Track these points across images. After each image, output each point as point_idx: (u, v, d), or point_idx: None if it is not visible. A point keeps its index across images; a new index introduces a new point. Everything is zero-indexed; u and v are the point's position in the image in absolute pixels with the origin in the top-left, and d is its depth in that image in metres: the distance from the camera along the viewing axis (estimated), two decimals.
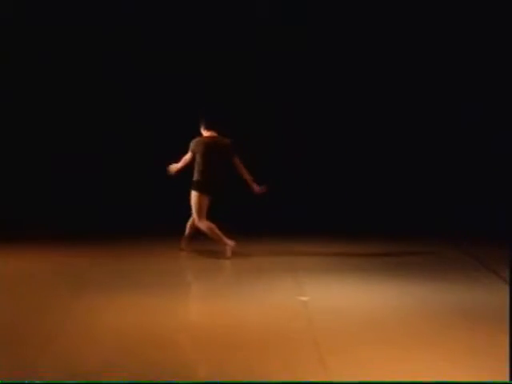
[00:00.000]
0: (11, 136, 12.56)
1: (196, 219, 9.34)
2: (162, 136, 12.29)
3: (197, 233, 9.48)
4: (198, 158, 9.36)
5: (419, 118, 12.63)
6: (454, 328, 6.31)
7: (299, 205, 12.11)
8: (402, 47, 12.50)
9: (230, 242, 9.27)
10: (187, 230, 9.54)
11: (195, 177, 9.37)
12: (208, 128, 9.48)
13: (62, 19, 12.36)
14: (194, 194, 9.34)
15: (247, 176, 9.41)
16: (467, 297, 7.37)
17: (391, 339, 6.00)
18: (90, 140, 12.61)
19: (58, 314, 6.67)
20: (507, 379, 5.09)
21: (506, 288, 6.93)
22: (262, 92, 12.60)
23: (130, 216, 11.77)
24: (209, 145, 9.38)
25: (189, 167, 9.49)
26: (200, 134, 9.54)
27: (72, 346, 5.81)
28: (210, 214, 9.36)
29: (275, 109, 12.58)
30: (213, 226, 9.29)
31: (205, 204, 9.30)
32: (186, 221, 9.54)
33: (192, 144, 9.42)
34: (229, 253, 9.26)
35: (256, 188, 9.41)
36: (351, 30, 12.49)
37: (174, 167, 9.50)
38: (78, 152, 12.56)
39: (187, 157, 9.42)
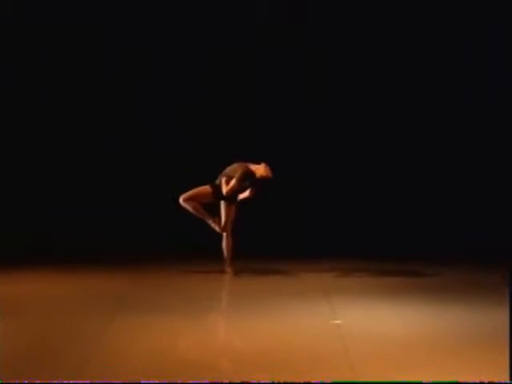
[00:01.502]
0: (16, 146, 12.53)
1: (182, 197, 9.32)
2: (177, 147, 12.31)
3: (233, 250, 9.45)
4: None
5: (441, 134, 12.57)
6: (492, 352, 6.13)
7: (326, 224, 12.05)
8: (404, 46, 12.48)
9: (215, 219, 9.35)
10: (224, 252, 9.47)
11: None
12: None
13: (62, 19, 12.34)
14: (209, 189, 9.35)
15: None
16: (505, 321, 7.19)
17: (428, 364, 5.87)
18: (107, 152, 12.58)
19: (92, 335, 6.63)
20: (507, 379, 5.09)
21: None
22: (261, 92, 12.57)
23: (167, 236, 11.78)
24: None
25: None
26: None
27: (106, 367, 5.76)
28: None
29: (276, 109, 12.56)
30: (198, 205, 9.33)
31: (208, 197, 9.31)
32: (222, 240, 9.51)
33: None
34: (217, 227, 9.35)
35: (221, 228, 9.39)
36: (351, 30, 12.47)
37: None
38: (98, 168, 12.57)
39: (234, 185, 9.24)
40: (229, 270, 9.43)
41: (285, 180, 11.91)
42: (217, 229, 9.36)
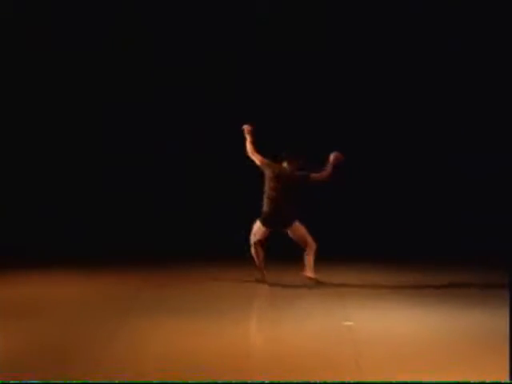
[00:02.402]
0: (15, 147, 12.50)
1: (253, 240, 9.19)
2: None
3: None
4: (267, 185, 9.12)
5: (441, 139, 12.54)
6: (505, 354, 5.86)
7: (343, 229, 12.02)
8: (404, 47, 12.48)
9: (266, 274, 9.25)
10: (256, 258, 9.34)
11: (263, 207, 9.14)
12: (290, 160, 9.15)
13: (63, 19, 12.35)
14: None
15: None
16: None
17: (438, 367, 5.84)
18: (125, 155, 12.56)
19: (104, 337, 6.69)
20: (507, 379, 5.09)
21: None
22: (261, 92, 12.58)
23: (180, 238, 11.73)
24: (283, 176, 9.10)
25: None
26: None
27: (117, 369, 5.79)
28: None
29: (277, 110, 12.56)
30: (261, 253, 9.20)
31: (261, 232, 9.13)
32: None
33: (269, 162, 9.12)
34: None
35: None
36: (352, 30, 12.48)
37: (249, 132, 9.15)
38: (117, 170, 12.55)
39: (258, 157, 9.11)
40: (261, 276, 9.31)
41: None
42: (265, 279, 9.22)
